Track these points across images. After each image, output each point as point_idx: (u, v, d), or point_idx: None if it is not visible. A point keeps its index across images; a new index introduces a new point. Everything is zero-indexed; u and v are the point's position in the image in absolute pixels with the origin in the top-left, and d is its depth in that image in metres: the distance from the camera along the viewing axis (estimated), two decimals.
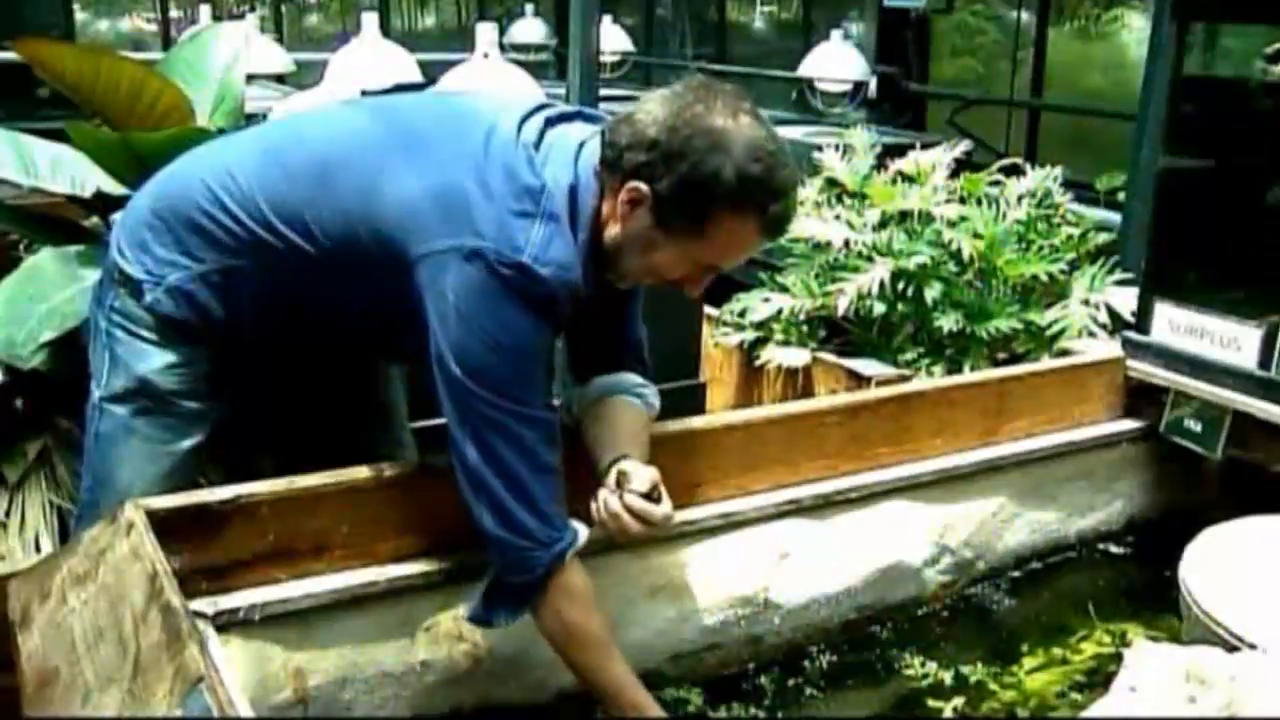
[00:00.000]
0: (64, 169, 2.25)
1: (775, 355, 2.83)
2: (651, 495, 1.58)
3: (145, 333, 1.64)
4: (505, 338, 1.43)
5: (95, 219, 2.40)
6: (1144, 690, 1.61)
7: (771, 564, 1.96)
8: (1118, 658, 1.73)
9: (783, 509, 1.97)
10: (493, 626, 1.59)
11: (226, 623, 1.54)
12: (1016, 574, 2.28)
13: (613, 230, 1.53)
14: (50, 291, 2.23)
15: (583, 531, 1.56)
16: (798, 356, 2.80)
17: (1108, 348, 2.48)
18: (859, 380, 2.63)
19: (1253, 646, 1.71)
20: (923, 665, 1.98)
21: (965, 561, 2.21)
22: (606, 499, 1.58)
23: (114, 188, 2.25)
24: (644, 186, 1.46)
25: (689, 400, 2.56)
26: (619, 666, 1.56)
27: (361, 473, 1.63)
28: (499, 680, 1.73)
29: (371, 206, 1.50)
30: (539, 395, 1.51)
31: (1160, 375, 2.34)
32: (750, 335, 2.93)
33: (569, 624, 1.54)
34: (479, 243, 1.42)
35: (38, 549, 2.26)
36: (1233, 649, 1.70)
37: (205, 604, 1.53)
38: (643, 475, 1.58)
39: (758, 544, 1.96)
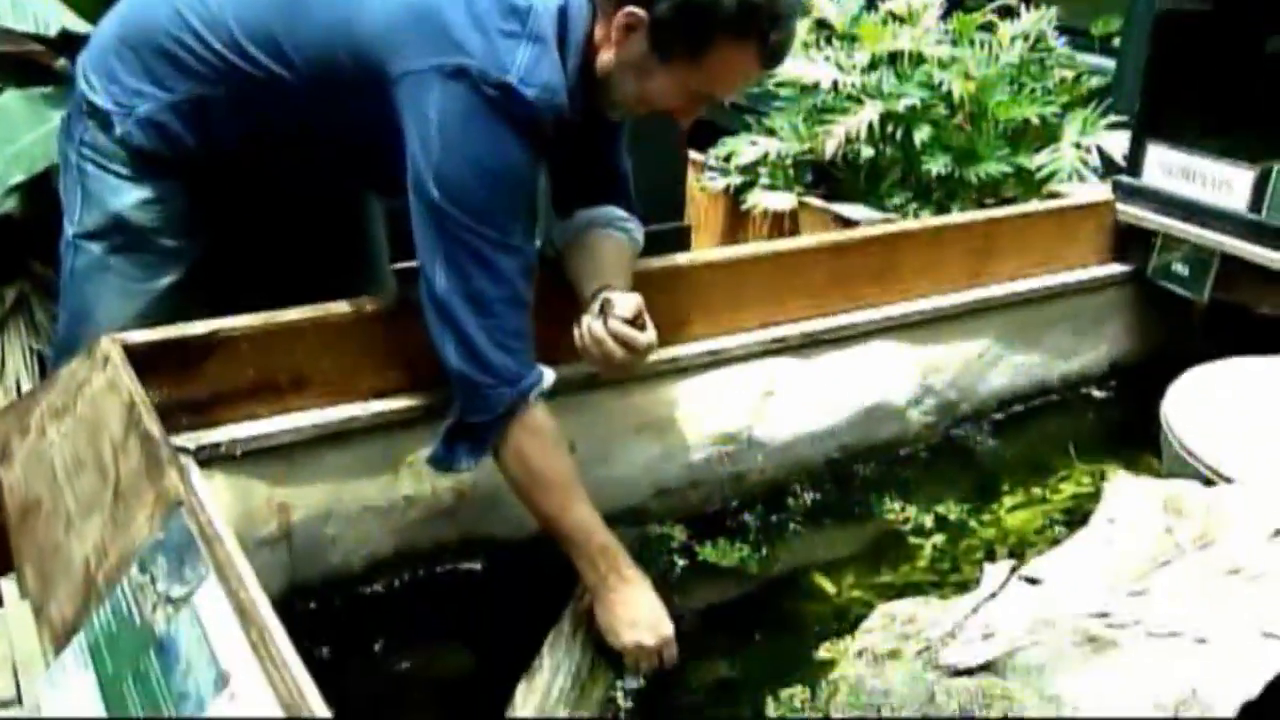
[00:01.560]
0: (26, 7, 2.18)
1: (761, 199, 2.79)
2: (635, 321, 1.55)
3: (117, 167, 1.59)
4: (488, 160, 1.38)
5: (63, 60, 2.33)
6: (1121, 521, 1.62)
7: (756, 402, 1.96)
8: (1097, 496, 1.74)
9: (768, 347, 1.96)
10: (453, 469, 1.54)
11: (209, 458, 1.53)
12: (999, 416, 2.30)
13: (605, 57, 1.47)
14: (18, 134, 2.19)
15: (549, 374, 1.52)
16: (784, 200, 2.77)
17: (1097, 191, 2.45)
18: (846, 225, 2.59)
19: (1229, 480, 1.72)
20: (904, 505, 2.00)
21: (949, 403, 2.21)
22: (590, 324, 1.55)
23: (80, 25, 2.18)
24: (640, 11, 1.40)
25: (672, 244, 2.51)
26: (583, 511, 1.52)
27: (341, 308, 1.61)
28: (482, 515, 1.73)
29: (350, 24, 1.43)
30: (519, 226, 1.46)
31: (1150, 219, 2.32)
32: (736, 179, 2.89)
33: (531, 465, 1.51)
34: (463, 61, 1.36)
35: (19, 394, 2.26)
36: (1209, 483, 1.71)
37: (186, 439, 1.52)
38: (627, 302, 1.55)
39: (742, 382, 1.95)
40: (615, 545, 1.54)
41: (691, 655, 1.58)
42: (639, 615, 1.52)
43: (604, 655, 1.52)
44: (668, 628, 1.53)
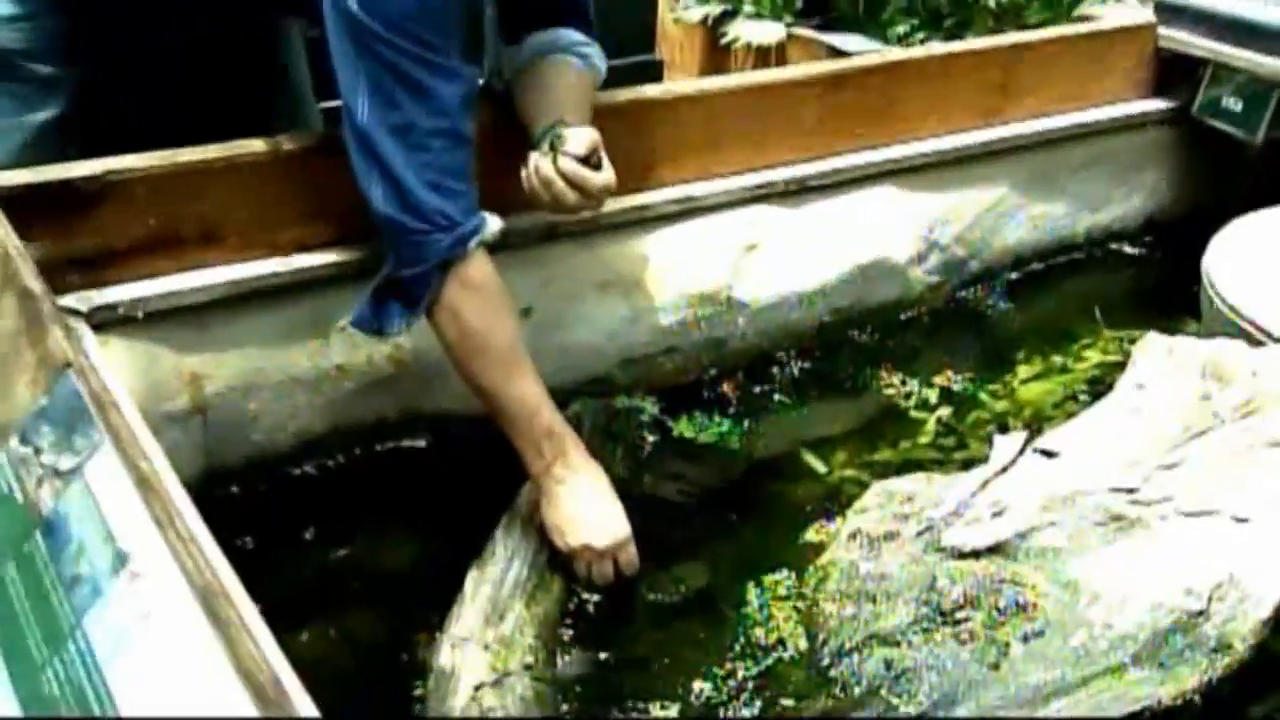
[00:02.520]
0: None
1: (744, 31, 2.73)
2: (590, 160, 1.52)
3: None
4: None
5: None
6: (1152, 387, 1.62)
7: (737, 257, 1.94)
8: (1125, 367, 1.74)
9: (750, 194, 1.93)
10: (383, 333, 1.53)
11: (104, 321, 1.49)
12: (1015, 275, 2.28)
13: None
14: None
15: (494, 221, 1.49)
16: (771, 32, 2.70)
17: (1136, 13, 2.39)
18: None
19: (1278, 341, 1.71)
20: (904, 376, 2.00)
21: (957, 260, 2.20)
22: (537, 163, 1.52)
23: None
24: None
25: (640, 81, 2.46)
26: (527, 385, 1.50)
27: (255, 146, 1.55)
28: (427, 386, 1.71)
29: None
30: (455, 44, 1.41)
31: (1198, 45, 2.25)
32: (716, 9, 2.82)
33: (467, 327, 1.48)
34: None
35: None
36: (1255, 344, 1.70)
37: (76, 299, 1.48)
38: (580, 137, 1.51)
39: (721, 234, 1.92)
40: (563, 428, 1.52)
41: (665, 542, 1.59)
42: (588, 513, 1.49)
43: (554, 561, 1.52)
44: (622, 528, 1.50)
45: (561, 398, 1.67)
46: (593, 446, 1.59)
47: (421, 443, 1.76)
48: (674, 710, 1.36)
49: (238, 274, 1.57)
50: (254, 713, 0.77)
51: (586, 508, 1.51)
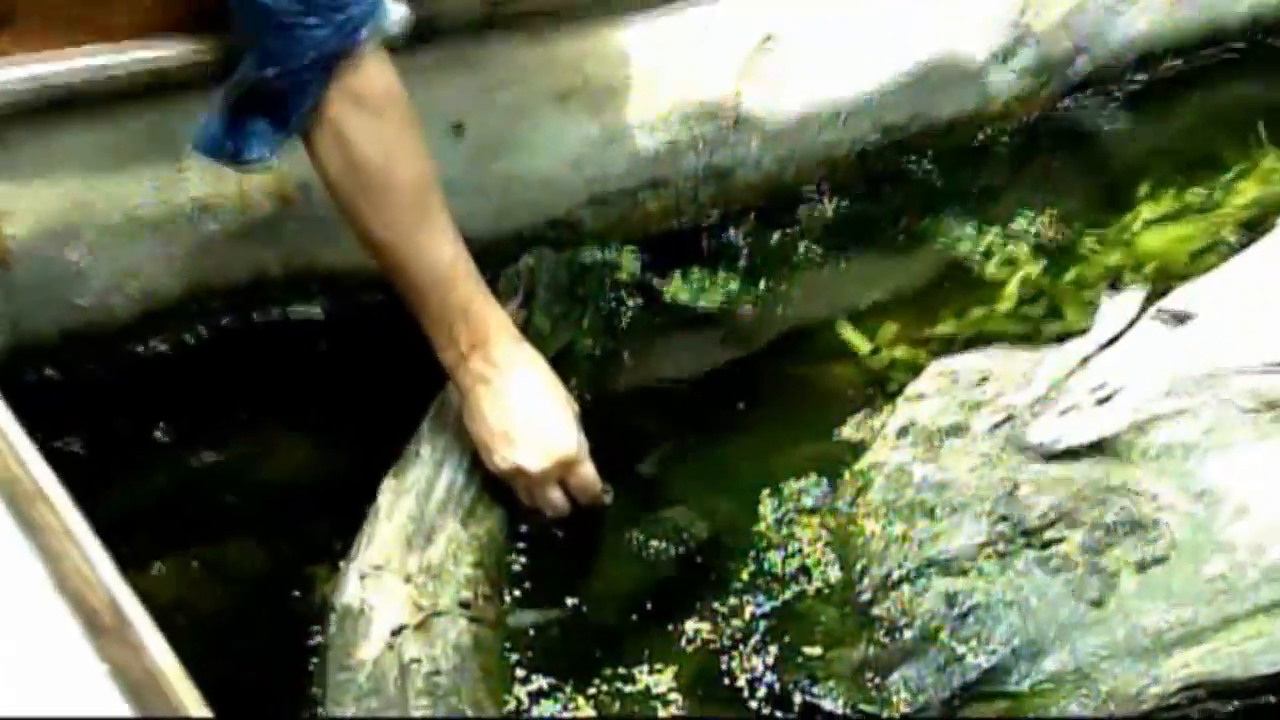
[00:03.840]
0: None
1: None
2: None
3: None
4: None
5: None
6: None
7: (747, 55, 1.93)
8: None
9: None
10: (241, 161, 1.52)
11: None
12: (1139, 80, 2.27)
13: None
14: None
15: (397, 8, 1.49)
16: None
17: None
18: None
19: None
20: (979, 220, 2.00)
21: (1058, 57, 2.18)
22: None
23: None
24: None
25: None
26: (439, 243, 1.50)
27: None
28: (320, 233, 1.71)
29: None
30: None
31: None
32: None
33: (356, 157, 1.47)
34: None
35: None
36: None
37: None
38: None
39: (725, 23, 1.92)
40: (485, 305, 1.52)
41: (650, 443, 1.62)
42: (519, 423, 1.49)
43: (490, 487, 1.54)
44: (566, 442, 1.50)
45: (507, 250, 1.67)
46: (552, 317, 1.59)
47: (317, 311, 1.77)
48: (663, 669, 1.38)
49: (45, 69, 1.55)
50: (86, 643, 0.77)
51: (517, 415, 1.50)
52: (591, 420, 1.57)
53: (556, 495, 1.52)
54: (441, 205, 1.51)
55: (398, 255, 1.50)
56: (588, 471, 1.53)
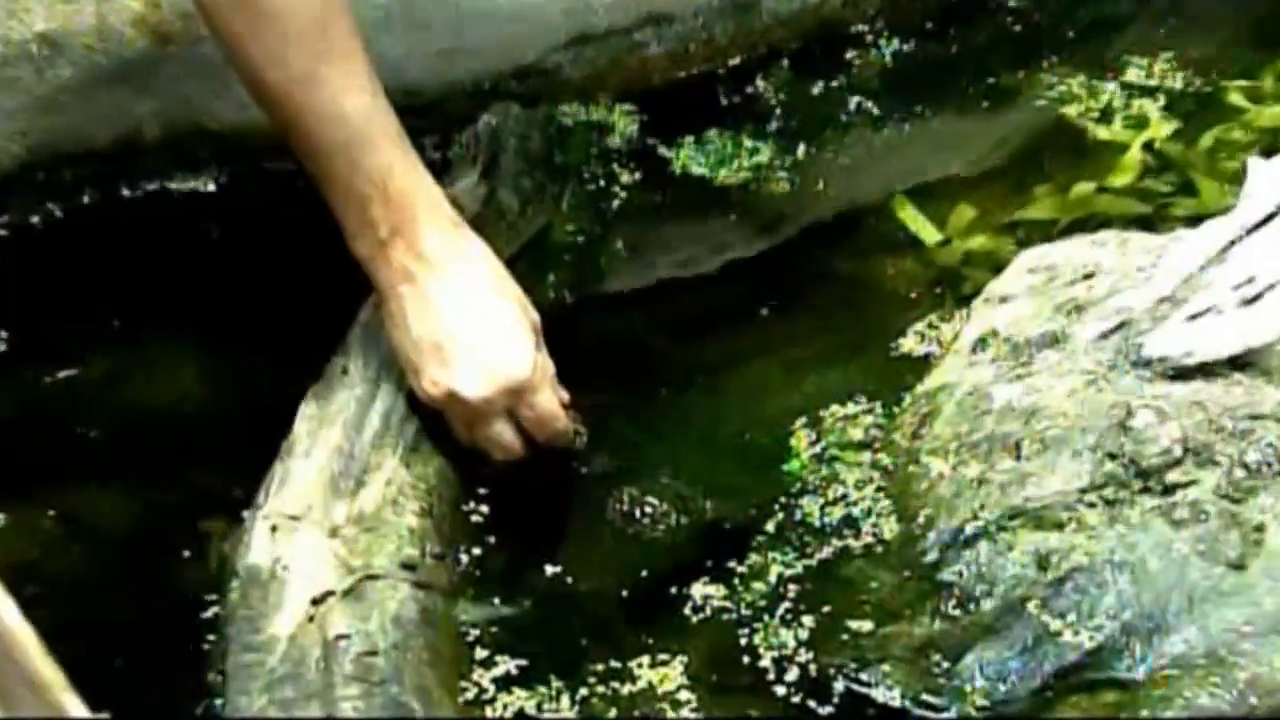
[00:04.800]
0: None
1: None
2: None
3: None
4: None
5: None
6: None
7: None
8: None
9: None
10: None
11: None
12: None
13: None
14: None
15: None
16: None
17: None
18: None
19: None
20: (1086, 66, 2.02)
21: None
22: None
23: None
24: None
25: None
26: (349, 90, 1.48)
27: None
28: (211, 79, 1.71)
29: None
30: None
31: None
32: None
33: None
34: None
35: None
36: None
37: None
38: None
39: None
40: (415, 174, 1.52)
41: (650, 356, 1.64)
42: (459, 335, 1.50)
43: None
44: (519, 362, 1.50)
45: (459, 108, 1.69)
46: (521, 194, 1.62)
47: (207, 183, 1.79)
48: (665, 647, 1.38)
49: None
50: None
51: (453, 324, 1.50)
52: (569, 333, 1.57)
53: (505, 432, 1.51)
54: (353, 37, 1.49)
55: (292, 105, 1.49)
56: (546, 401, 1.52)
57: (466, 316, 1.50)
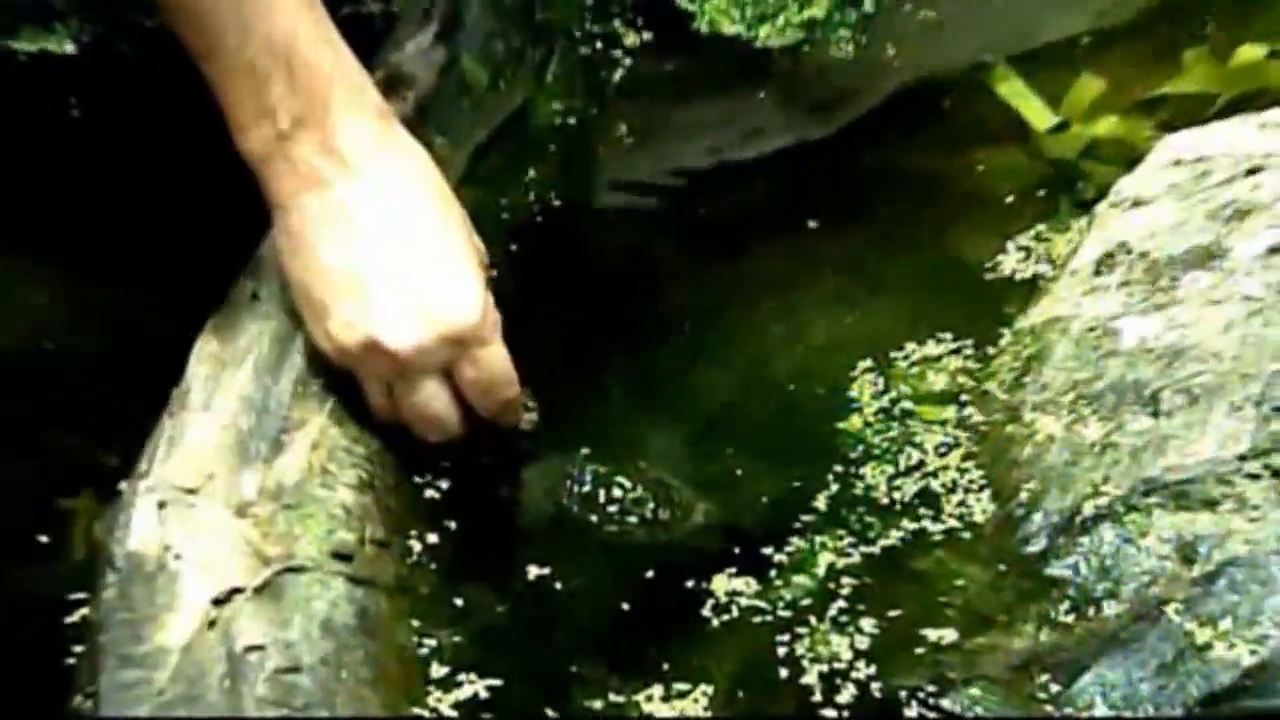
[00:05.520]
0: None
1: None
2: None
3: None
4: None
5: None
6: None
7: None
8: None
9: None
10: None
11: None
12: None
13: None
14: None
15: None
16: None
17: None
18: None
19: None
20: None
21: None
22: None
23: None
24: None
25: None
26: None
27: None
28: None
29: None
30: None
31: None
32: None
33: None
34: None
35: None
36: None
37: None
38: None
39: None
40: (326, 46, 1.52)
41: (661, 283, 1.68)
42: (381, 266, 1.50)
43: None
44: (463, 305, 1.50)
45: None
46: (492, 61, 1.64)
47: (64, 44, 1.82)
48: (691, 692, 1.37)
49: None
50: None
51: (373, 251, 1.49)
52: (555, 248, 1.61)
53: (438, 397, 1.51)
54: None
55: None
56: (496, 357, 1.51)
57: (395, 239, 1.49)
